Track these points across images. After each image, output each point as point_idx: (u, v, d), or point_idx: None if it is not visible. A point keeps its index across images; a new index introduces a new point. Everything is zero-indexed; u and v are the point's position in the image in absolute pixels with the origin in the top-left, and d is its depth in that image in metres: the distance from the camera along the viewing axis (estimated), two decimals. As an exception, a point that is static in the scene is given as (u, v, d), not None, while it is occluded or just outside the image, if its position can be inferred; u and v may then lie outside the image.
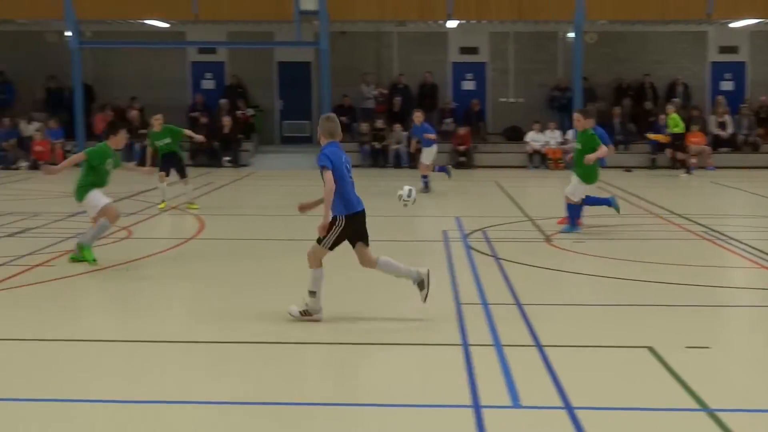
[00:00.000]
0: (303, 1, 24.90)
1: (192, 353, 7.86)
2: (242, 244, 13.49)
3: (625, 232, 14.45)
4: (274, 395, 6.65)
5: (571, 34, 26.60)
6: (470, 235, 13.80)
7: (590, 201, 14.18)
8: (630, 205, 17.79)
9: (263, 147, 28.63)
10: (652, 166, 26.12)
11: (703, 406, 6.36)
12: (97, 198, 11.48)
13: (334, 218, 8.55)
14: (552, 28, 28.40)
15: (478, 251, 12.40)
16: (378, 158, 26.89)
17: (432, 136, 19.85)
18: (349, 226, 8.57)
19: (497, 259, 11.88)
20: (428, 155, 19.76)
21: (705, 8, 25.44)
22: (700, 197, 20.87)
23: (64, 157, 23.81)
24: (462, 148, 26.73)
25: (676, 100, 27.03)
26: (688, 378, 6.90)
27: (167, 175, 16.95)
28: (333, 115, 8.94)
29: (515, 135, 27.99)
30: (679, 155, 25.00)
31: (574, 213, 14.01)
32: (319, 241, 8.57)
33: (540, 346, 7.77)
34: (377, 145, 26.90)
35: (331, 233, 8.52)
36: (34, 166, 25.30)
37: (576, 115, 14.19)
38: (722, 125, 27.31)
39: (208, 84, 29.59)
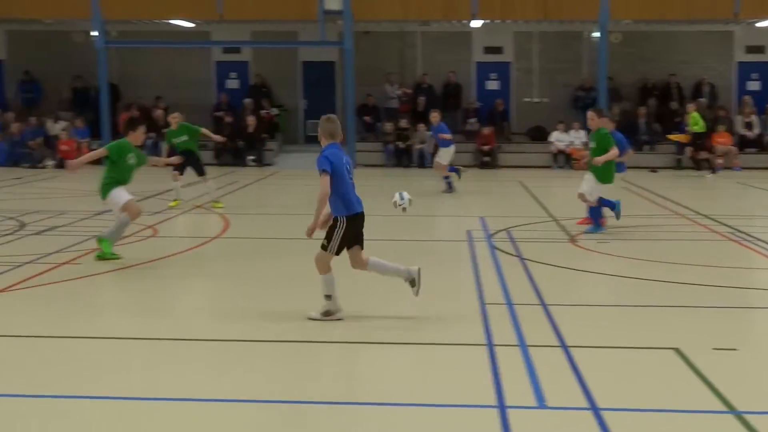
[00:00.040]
0: (327, 0, 24.92)
1: (214, 351, 7.88)
2: (266, 243, 13.53)
3: (651, 233, 14.37)
4: (296, 393, 6.65)
5: (596, 34, 26.47)
6: (494, 235, 13.76)
7: (602, 202, 14.03)
8: (655, 205, 17.70)
9: (287, 146, 28.68)
10: (678, 166, 25.96)
11: (731, 409, 6.30)
12: (120, 195, 11.58)
13: (336, 220, 8.53)
14: (577, 27, 28.27)
15: (503, 251, 12.37)
16: (402, 158, 26.87)
17: (447, 136, 19.67)
18: (351, 228, 8.54)
19: (522, 259, 11.84)
20: (445, 156, 19.63)
21: (732, 7, 25.23)
22: (726, 198, 20.71)
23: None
24: (486, 148, 26.67)
25: (703, 100, 26.88)
26: (716, 380, 6.84)
27: (181, 174, 16.97)
28: (333, 116, 8.85)
29: (539, 135, 27.89)
30: (702, 154, 24.81)
31: (596, 214, 13.93)
32: (323, 247, 8.54)
33: (565, 347, 7.74)
34: (401, 144, 26.88)
35: (334, 237, 8.49)
36: (60, 165, 25.46)
37: (590, 114, 14.00)
38: (749, 125, 27.10)
39: (232, 83, 29.67)
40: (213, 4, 25.58)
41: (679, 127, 25.49)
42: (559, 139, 26.65)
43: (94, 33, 26.13)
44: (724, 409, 6.32)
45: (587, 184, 13.81)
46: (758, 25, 27.31)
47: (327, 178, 8.34)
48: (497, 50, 29.13)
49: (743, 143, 26.69)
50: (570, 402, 6.42)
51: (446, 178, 19.75)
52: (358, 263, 8.74)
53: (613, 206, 13.89)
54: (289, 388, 6.82)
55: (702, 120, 24.20)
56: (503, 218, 15.65)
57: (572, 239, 13.50)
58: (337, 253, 8.57)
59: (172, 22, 27.04)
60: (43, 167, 25.72)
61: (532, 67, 29.08)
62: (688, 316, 9.05)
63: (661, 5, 25.23)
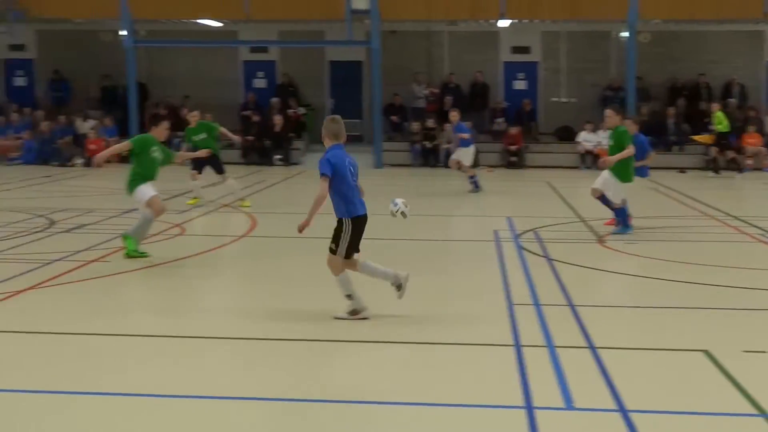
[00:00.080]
0: (354, 0, 24.95)
1: (239, 349, 7.91)
2: (293, 242, 13.51)
3: (679, 234, 14.27)
4: (320, 392, 6.65)
5: (625, 34, 26.32)
6: (522, 235, 13.71)
7: (605, 201, 13.90)
8: (684, 206, 17.57)
9: (314, 146, 28.64)
10: (707, 167, 25.73)
11: (762, 412, 6.24)
12: (145, 191, 11.60)
13: (341, 222, 8.55)
14: (605, 27, 28.10)
15: (530, 251, 12.32)
16: (428, 158, 26.83)
17: (465, 135, 19.58)
18: (356, 229, 8.55)
19: (549, 259, 11.78)
20: (466, 156, 19.56)
21: (762, 7, 25.01)
22: (756, 199, 20.52)
23: (119, 155, 24.14)
24: (513, 148, 26.59)
25: (732, 100, 26.66)
26: (746, 383, 6.77)
27: (200, 173, 17.02)
28: (338, 116, 8.85)
29: (567, 135, 27.76)
30: (729, 154, 24.59)
31: (622, 214, 13.83)
32: (332, 250, 8.56)
33: (593, 348, 7.70)
34: (428, 144, 26.84)
35: (342, 240, 8.51)
36: (89, 164, 25.65)
37: (608, 112, 13.86)
38: (779, 126, 26.84)
39: (259, 83, 29.77)
40: (240, 4, 25.68)
41: (708, 128, 25.29)
42: (586, 139, 26.50)
43: (123, 32, 26.31)
44: (755, 412, 6.26)
45: (603, 181, 13.71)
46: (789, 24, 27.08)
47: (326, 182, 8.40)
48: (524, 50, 29.03)
49: (774, 144, 26.42)
50: (598, 403, 6.38)
51: (471, 177, 19.71)
52: (350, 264, 8.73)
53: (626, 220, 13.85)
54: (314, 386, 6.82)
55: (726, 119, 23.99)
56: (530, 218, 15.60)
57: (600, 240, 13.42)
58: (347, 256, 8.58)
59: (199, 21, 27.18)
60: (72, 165, 25.91)
61: (559, 66, 28.97)
62: (718, 318, 8.97)
63: (691, 5, 25.04)
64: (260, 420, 6.22)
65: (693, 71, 27.88)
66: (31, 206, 16.76)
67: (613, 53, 28.64)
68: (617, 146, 13.53)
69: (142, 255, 11.57)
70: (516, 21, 26.88)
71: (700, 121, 26.62)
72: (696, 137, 23.96)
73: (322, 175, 8.42)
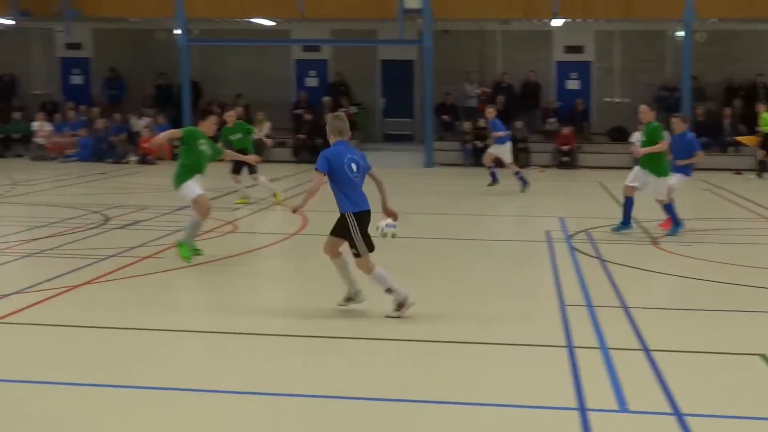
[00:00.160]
0: (407, -1, 24.95)
1: (285, 347, 7.95)
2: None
3: (734, 236, 14.04)
4: (372, 391, 6.65)
5: (680, 33, 25.98)
6: (574, 236, 13.60)
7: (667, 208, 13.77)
8: (739, 208, 17.29)
9: (365, 145, 28.66)
10: (757, 169, 25.24)
11: (821, 418, 6.13)
12: (192, 188, 11.42)
13: (344, 217, 8.64)
14: (660, 26, 27.78)
15: (583, 252, 12.21)
16: (480, 157, 26.65)
17: (500, 133, 19.44)
18: (361, 223, 8.61)
19: (602, 260, 11.67)
20: (505, 153, 19.46)
21: (823, 6, 24.55)
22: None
23: (172, 152, 24.44)
24: (565, 148, 26.39)
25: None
26: (804, 388, 6.66)
27: (239, 174, 17.11)
28: (342, 113, 9.06)
29: (620, 135, 27.45)
30: None
31: (671, 211, 13.65)
32: (355, 255, 8.63)
33: (647, 350, 7.60)
34: (479, 143, 26.72)
35: (355, 239, 8.58)
36: (143, 161, 25.99)
37: (643, 107, 14.04)
38: (837, 128, 26.26)
39: (311, 81, 29.88)
40: (294, 3, 25.79)
41: (755, 129, 24.82)
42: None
43: (177, 31, 26.60)
44: (814, 418, 6.14)
45: (640, 180, 13.63)
46: None
47: (319, 177, 8.60)
48: (578, 49, 28.79)
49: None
50: (653, 407, 6.30)
51: (517, 173, 19.58)
52: (331, 251, 8.83)
53: (626, 223, 13.70)
54: (364, 384, 6.82)
55: None
56: (583, 219, 15.47)
57: (654, 241, 13.27)
58: (370, 249, 8.64)
59: (253, 20, 27.36)
60: (126, 162, 26.23)
61: (613, 66, 28.69)
62: (775, 322, 8.83)
63: (748, 4, 24.63)
64: (317, 417, 6.23)
65: (751, 71, 27.40)
66: (87, 203, 17.00)
67: (668, 53, 28.28)
68: (649, 141, 13.59)
69: (196, 252, 11.58)
70: (569, 20, 26.68)
71: (756, 123, 26.15)
72: (740, 138, 23.53)
73: (316, 169, 8.62)
